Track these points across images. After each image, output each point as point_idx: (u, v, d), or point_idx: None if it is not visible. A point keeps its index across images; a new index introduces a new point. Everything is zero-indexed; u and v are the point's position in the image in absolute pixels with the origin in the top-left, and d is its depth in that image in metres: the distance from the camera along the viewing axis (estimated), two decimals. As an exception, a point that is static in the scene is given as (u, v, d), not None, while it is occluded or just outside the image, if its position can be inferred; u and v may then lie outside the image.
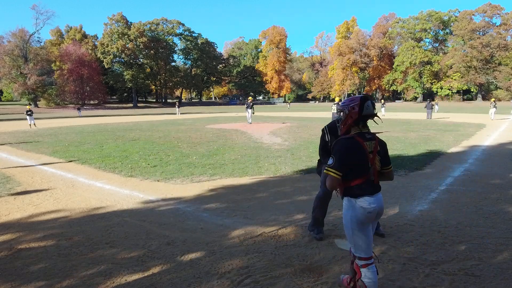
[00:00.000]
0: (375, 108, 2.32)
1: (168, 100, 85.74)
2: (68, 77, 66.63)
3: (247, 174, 7.02)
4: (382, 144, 2.37)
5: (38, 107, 60.49)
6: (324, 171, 2.31)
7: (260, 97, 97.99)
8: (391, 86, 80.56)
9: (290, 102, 69.15)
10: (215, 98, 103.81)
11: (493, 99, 23.64)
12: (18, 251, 3.53)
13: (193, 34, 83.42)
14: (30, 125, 20.74)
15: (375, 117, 2.36)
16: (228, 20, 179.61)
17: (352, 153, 2.22)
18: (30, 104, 39.33)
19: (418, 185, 5.85)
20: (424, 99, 68.55)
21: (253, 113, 20.84)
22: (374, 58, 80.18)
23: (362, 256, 2.31)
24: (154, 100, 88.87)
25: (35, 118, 22.12)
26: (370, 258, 2.31)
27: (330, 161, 2.26)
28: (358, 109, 2.25)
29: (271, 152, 9.63)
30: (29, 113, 20.95)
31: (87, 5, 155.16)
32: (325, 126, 3.63)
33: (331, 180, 2.24)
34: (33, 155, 9.87)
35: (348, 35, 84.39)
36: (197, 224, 4.26)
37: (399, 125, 16.95)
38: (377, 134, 2.38)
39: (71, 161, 8.81)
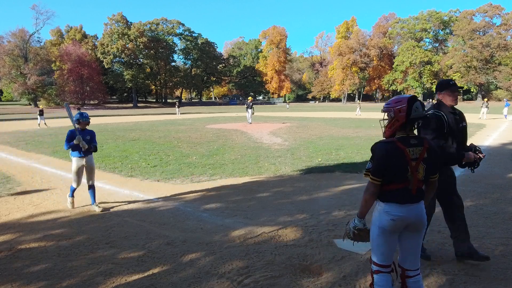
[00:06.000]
0: (424, 109, 2.13)
1: (168, 100, 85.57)
2: (68, 77, 66.45)
3: (247, 174, 7.03)
4: (432, 151, 2.15)
5: (38, 107, 60.37)
6: (363, 175, 2.24)
7: (260, 97, 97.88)
8: (391, 86, 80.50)
9: (288, 102, 69.18)
10: (215, 98, 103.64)
11: (485, 99, 24.02)
12: (18, 251, 3.53)
13: (193, 34, 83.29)
14: (39, 124, 21.29)
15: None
16: (228, 20, 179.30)
17: (389, 159, 2.07)
18: (30, 104, 39.28)
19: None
20: (424, 99, 68.45)
21: (253, 113, 20.86)
22: (374, 58, 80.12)
23: (376, 261, 2.23)
24: (154, 100, 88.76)
25: (35, 118, 22.54)
26: (386, 266, 2.23)
27: (369, 165, 2.18)
28: (406, 112, 2.07)
29: (271, 152, 9.63)
30: (40, 112, 21.87)
31: (87, 5, 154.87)
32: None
33: (369, 187, 2.15)
34: (33, 155, 9.86)
35: (348, 35, 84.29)
36: (197, 224, 4.26)
37: (399, 125, 16.93)
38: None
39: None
